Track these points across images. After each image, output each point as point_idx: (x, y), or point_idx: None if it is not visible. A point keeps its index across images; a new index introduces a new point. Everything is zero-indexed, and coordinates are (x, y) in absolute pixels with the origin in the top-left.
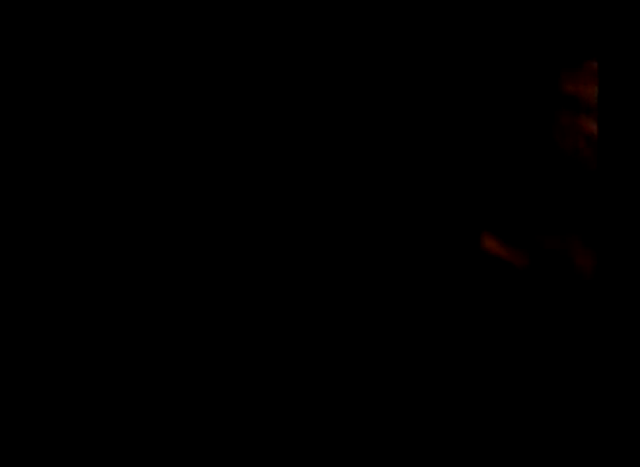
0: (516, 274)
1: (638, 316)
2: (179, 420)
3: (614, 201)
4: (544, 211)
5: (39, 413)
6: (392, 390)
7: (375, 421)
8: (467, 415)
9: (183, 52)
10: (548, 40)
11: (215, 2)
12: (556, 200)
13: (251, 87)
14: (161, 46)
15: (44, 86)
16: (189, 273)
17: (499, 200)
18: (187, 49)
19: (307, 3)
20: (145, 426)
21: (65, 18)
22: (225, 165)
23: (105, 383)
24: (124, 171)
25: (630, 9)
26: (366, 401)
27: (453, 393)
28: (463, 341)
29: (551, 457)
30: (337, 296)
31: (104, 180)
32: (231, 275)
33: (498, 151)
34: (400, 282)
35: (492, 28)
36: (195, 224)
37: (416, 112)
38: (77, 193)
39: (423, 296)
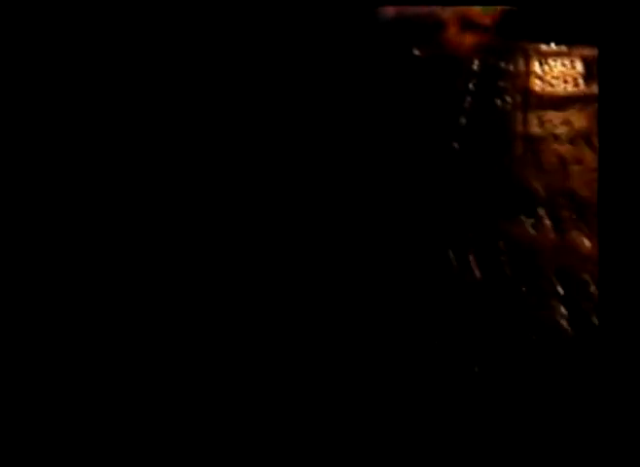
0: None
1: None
2: (179, 420)
3: (615, 198)
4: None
5: (39, 412)
6: (391, 389)
7: (375, 421)
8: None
9: (181, 56)
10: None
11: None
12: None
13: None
14: (161, 49)
15: (45, 87)
16: (188, 273)
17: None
18: (185, 53)
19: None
20: (145, 426)
21: (66, 19)
22: (221, 168)
23: (105, 383)
24: (124, 172)
25: (630, 5)
26: (365, 400)
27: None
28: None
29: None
30: (337, 296)
31: (104, 180)
32: (228, 276)
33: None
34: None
35: None
36: (194, 224)
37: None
38: (77, 193)
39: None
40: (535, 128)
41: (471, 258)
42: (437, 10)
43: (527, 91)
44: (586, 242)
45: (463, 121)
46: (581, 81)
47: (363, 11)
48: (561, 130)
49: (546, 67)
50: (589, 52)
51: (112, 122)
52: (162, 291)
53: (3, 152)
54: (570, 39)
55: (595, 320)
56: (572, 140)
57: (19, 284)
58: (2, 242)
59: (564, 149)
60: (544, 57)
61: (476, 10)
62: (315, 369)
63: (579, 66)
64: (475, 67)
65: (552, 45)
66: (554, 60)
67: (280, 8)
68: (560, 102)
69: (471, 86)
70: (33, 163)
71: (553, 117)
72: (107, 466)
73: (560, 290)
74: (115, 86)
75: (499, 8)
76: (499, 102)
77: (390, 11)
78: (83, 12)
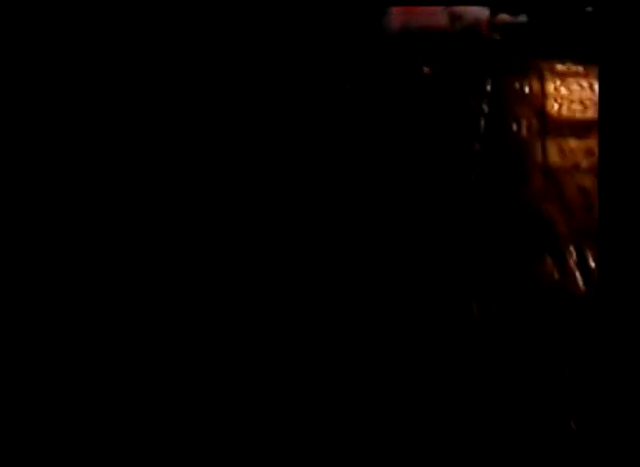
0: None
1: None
2: (179, 420)
3: (615, 207)
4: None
5: (39, 412)
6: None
7: (375, 421)
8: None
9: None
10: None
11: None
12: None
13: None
14: (161, 49)
15: (45, 86)
16: (188, 274)
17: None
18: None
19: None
20: (145, 426)
21: (66, 19)
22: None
23: (105, 383)
24: (124, 172)
25: (630, 17)
26: (366, 401)
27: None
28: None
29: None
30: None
31: (104, 181)
32: (231, 276)
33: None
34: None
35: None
36: (194, 224)
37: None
38: (77, 193)
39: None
40: (555, 158)
41: (488, 303)
42: (444, 24)
43: (544, 116)
44: None
45: (476, 147)
46: None
47: (367, 24)
48: (584, 161)
49: (562, 89)
50: None
51: (112, 122)
52: (162, 291)
53: (3, 152)
54: (580, 56)
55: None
56: (596, 172)
57: (19, 284)
58: (2, 242)
59: (588, 181)
60: (560, 78)
61: (485, 23)
62: (316, 372)
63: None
64: (487, 87)
65: (568, 64)
66: (571, 82)
67: (283, 21)
68: (581, 129)
69: (483, 108)
70: (33, 164)
71: (574, 145)
72: (107, 466)
73: (587, 334)
74: (115, 86)
75: (503, 18)
76: (514, 127)
77: (395, 25)
78: (83, 12)
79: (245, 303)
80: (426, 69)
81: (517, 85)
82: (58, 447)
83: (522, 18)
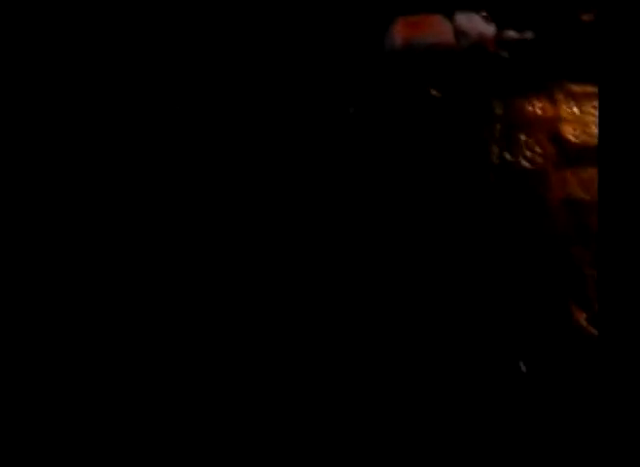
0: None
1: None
2: (179, 420)
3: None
4: None
5: (39, 413)
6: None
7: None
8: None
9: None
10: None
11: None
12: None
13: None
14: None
15: (45, 86)
16: (188, 274)
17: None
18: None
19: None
20: (145, 426)
21: (66, 19)
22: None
23: (105, 384)
24: (124, 172)
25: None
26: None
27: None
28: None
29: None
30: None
31: (104, 181)
32: (231, 276)
33: None
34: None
35: None
36: (194, 225)
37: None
38: (77, 193)
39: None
40: (575, 190)
41: (509, 351)
42: (450, 41)
43: (561, 142)
44: None
45: (489, 178)
46: None
47: (370, 43)
48: None
49: (577, 112)
50: None
51: (112, 122)
52: (162, 292)
53: (3, 152)
54: (594, 76)
55: None
56: None
57: (19, 285)
58: (2, 243)
59: None
60: (574, 100)
61: (491, 40)
62: (316, 372)
63: None
64: (497, 111)
65: (583, 84)
66: (586, 104)
67: (283, 43)
68: None
69: (494, 133)
70: (33, 164)
71: (595, 175)
72: (107, 466)
73: (613, 382)
74: (115, 86)
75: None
76: (528, 155)
77: (399, 42)
78: (83, 12)
79: (246, 302)
80: (434, 91)
81: (530, 107)
82: (58, 446)
83: (529, 35)
